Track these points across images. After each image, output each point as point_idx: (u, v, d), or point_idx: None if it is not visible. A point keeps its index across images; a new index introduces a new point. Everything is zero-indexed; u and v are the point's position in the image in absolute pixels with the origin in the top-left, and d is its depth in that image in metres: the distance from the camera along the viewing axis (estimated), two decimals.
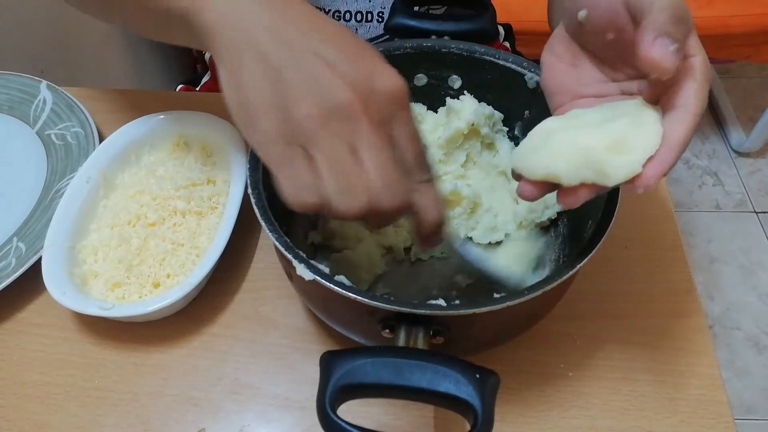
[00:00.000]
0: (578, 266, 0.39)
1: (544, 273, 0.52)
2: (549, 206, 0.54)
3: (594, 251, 0.39)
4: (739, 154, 1.74)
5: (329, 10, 0.65)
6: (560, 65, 0.42)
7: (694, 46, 0.36)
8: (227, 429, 0.47)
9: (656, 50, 0.33)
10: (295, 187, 0.33)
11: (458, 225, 0.56)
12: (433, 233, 0.37)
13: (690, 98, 0.35)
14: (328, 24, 0.35)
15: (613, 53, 0.40)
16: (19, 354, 0.51)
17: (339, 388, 0.34)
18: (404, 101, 0.34)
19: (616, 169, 0.34)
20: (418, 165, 0.36)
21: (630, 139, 0.35)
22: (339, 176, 0.33)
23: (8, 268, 0.52)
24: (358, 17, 0.65)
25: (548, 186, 0.37)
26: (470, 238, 0.55)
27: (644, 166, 0.34)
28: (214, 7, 0.35)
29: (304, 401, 0.48)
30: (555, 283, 0.38)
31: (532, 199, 0.38)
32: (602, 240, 0.40)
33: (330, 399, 0.34)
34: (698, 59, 0.36)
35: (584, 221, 0.45)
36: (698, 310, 0.52)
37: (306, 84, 0.33)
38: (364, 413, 0.47)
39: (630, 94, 0.40)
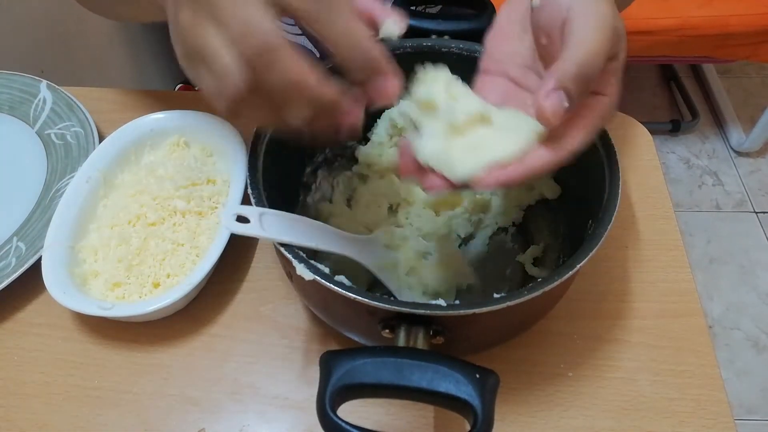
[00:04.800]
0: (578, 266, 0.39)
1: (544, 273, 0.52)
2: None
3: (594, 251, 0.39)
4: (739, 153, 1.74)
5: None
6: (510, 29, 0.43)
7: (610, 84, 0.36)
8: (227, 429, 0.47)
9: (549, 103, 0.34)
10: (205, 86, 0.33)
11: (458, 225, 0.56)
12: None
13: (572, 137, 0.36)
14: None
15: (542, 51, 0.41)
16: (19, 354, 0.51)
17: (339, 388, 0.34)
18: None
19: (460, 167, 0.37)
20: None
21: (487, 145, 0.37)
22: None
23: (8, 268, 0.52)
24: None
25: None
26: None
27: (488, 172, 0.36)
28: None
29: (304, 401, 0.48)
30: (555, 283, 0.38)
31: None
32: (602, 240, 0.40)
33: (330, 399, 0.34)
34: (605, 100, 0.36)
35: (584, 221, 0.45)
36: (698, 310, 0.52)
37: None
38: (364, 413, 0.47)
39: None
